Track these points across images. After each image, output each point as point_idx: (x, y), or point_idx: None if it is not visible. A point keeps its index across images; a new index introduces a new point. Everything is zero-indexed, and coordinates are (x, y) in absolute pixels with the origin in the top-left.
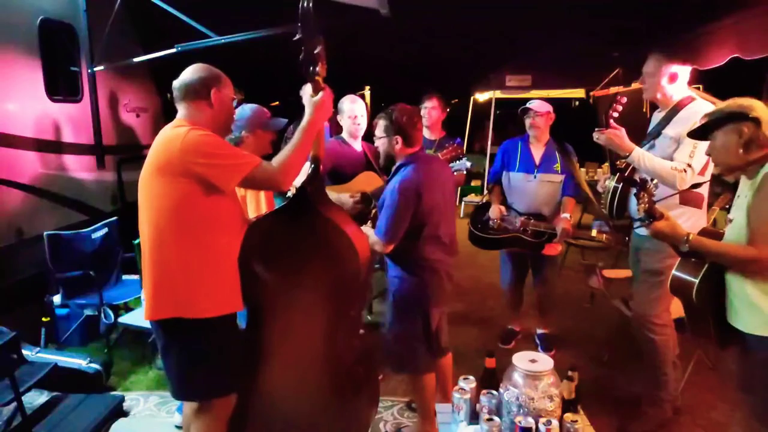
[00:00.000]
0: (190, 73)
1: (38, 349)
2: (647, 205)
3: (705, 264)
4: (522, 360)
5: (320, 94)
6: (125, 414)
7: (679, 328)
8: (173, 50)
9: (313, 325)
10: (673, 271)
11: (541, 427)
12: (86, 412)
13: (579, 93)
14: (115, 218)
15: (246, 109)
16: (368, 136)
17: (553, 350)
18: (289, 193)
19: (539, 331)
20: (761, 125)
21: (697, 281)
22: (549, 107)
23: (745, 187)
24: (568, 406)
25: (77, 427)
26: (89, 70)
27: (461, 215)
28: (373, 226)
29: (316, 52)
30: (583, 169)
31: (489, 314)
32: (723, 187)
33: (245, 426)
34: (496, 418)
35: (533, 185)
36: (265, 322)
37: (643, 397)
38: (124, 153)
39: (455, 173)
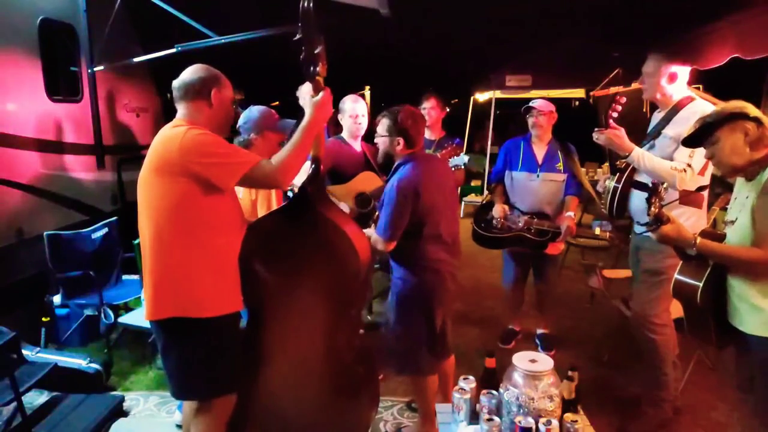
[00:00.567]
0: (191, 73)
1: (38, 349)
2: (657, 209)
3: (707, 267)
4: (522, 360)
5: (321, 94)
6: (125, 414)
7: (679, 328)
8: (173, 50)
9: (314, 325)
10: (676, 275)
11: (541, 427)
12: (86, 412)
13: (579, 93)
14: (115, 218)
15: (254, 111)
16: (368, 137)
17: (553, 350)
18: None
19: (539, 331)
20: (764, 123)
21: (701, 284)
22: (552, 107)
23: (745, 188)
24: (568, 406)
25: (77, 427)
26: (89, 70)
27: (461, 215)
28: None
29: (316, 52)
30: (583, 169)
31: (489, 314)
32: (723, 188)
33: (245, 426)
34: (496, 418)
35: (536, 184)
36: (265, 321)
37: (643, 397)
38: (124, 153)
39: (453, 169)
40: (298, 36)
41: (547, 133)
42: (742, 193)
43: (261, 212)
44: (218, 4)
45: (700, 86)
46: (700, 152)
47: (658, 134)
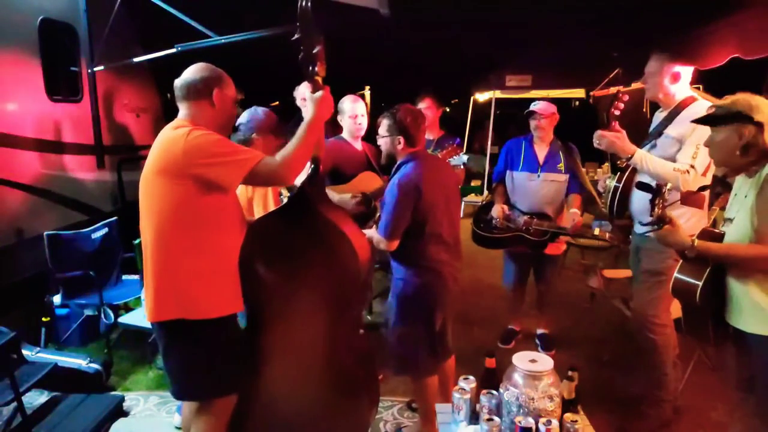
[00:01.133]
0: (193, 72)
1: (38, 349)
2: (661, 211)
3: (707, 266)
4: (522, 360)
5: (320, 91)
6: (125, 414)
7: (679, 328)
8: (173, 50)
9: (313, 325)
10: (675, 274)
11: (541, 427)
12: (86, 412)
13: (579, 93)
14: (115, 218)
15: (259, 112)
16: (368, 137)
17: (553, 350)
18: (282, 197)
19: (539, 331)
20: (763, 130)
21: (701, 284)
22: (553, 108)
23: (745, 186)
24: (568, 406)
25: (77, 427)
26: (89, 70)
27: (461, 215)
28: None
29: (314, 51)
30: (583, 169)
31: (489, 314)
32: (723, 188)
33: (245, 426)
34: (496, 418)
35: (537, 185)
36: (265, 322)
37: (643, 397)
38: (124, 153)
39: (452, 167)
40: (296, 36)
41: (548, 135)
42: (742, 191)
43: (257, 210)
44: (218, 4)
45: (700, 86)
46: (703, 153)
47: (660, 134)
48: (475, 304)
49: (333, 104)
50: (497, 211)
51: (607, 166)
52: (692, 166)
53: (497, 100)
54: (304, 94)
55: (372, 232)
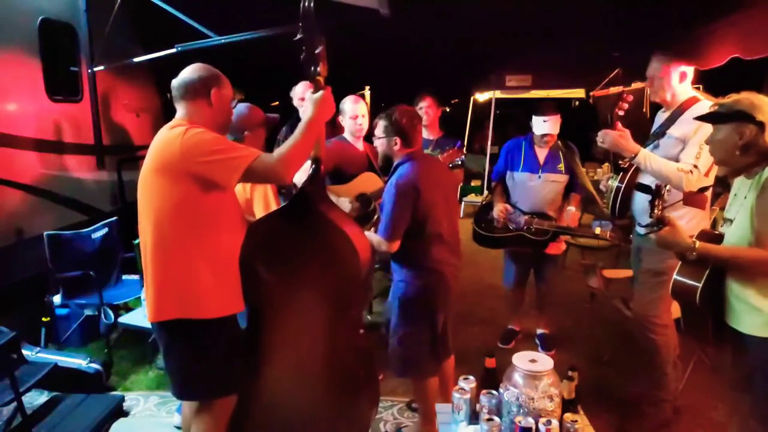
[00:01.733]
0: (190, 72)
1: (38, 349)
2: (660, 212)
3: (707, 267)
4: (522, 360)
5: (321, 92)
6: (125, 414)
7: (679, 329)
8: (173, 50)
9: (314, 325)
10: (675, 276)
11: (541, 427)
12: (86, 412)
13: (579, 93)
14: (115, 218)
15: (243, 108)
16: (369, 137)
17: (553, 350)
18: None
19: (539, 331)
20: (764, 131)
21: (700, 285)
22: (558, 119)
23: (745, 187)
24: (568, 406)
25: (77, 427)
26: (89, 70)
27: (461, 215)
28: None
29: (317, 52)
30: (583, 169)
31: (489, 314)
32: (723, 188)
33: (245, 426)
34: (496, 418)
35: (537, 185)
36: (265, 322)
37: (643, 397)
38: (124, 153)
39: (450, 166)
40: (298, 36)
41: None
42: (741, 192)
43: (257, 210)
44: (218, 4)
45: (700, 86)
46: (706, 153)
47: (663, 134)
48: (475, 304)
49: (334, 105)
50: (499, 210)
51: (607, 166)
52: (695, 167)
53: (497, 100)
54: (301, 94)
55: (372, 235)
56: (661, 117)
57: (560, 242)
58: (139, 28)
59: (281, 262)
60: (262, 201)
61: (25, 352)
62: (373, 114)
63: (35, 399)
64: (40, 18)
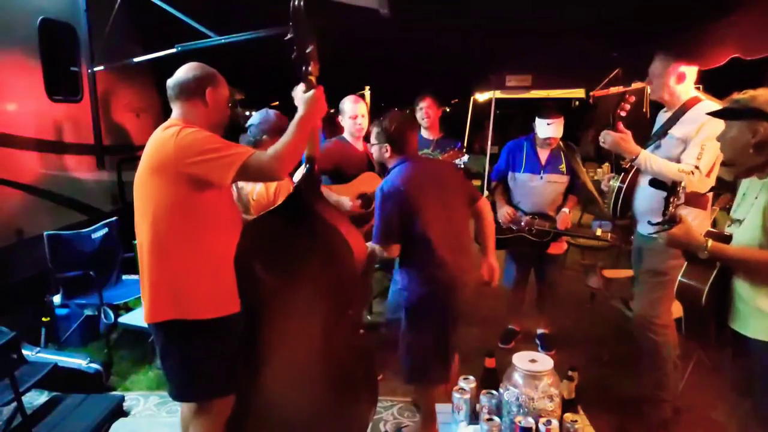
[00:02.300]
0: (185, 71)
1: (38, 349)
2: (675, 209)
3: (713, 269)
4: (522, 360)
5: (312, 90)
6: (125, 414)
7: (679, 329)
8: (173, 50)
9: (311, 325)
10: (680, 278)
11: (541, 427)
12: (86, 412)
13: (579, 93)
14: (115, 218)
15: (270, 114)
16: (369, 137)
17: (553, 350)
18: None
19: (539, 331)
20: None
21: (707, 287)
22: (561, 121)
23: (756, 187)
24: (568, 406)
25: (77, 427)
26: (89, 70)
27: None
28: None
29: (307, 51)
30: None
31: (489, 314)
32: (723, 188)
33: (244, 426)
34: (496, 418)
35: (539, 186)
36: (262, 322)
37: (643, 397)
38: (124, 153)
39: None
40: (289, 35)
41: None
42: (751, 192)
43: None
44: (218, 4)
45: (700, 86)
46: (708, 154)
47: (665, 134)
48: (475, 304)
49: (325, 104)
50: (504, 214)
51: (607, 166)
52: (697, 167)
53: (497, 100)
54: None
55: (371, 244)
56: (663, 117)
57: (562, 242)
58: (139, 28)
59: (276, 261)
60: (284, 193)
61: (25, 352)
62: (373, 114)
63: (35, 399)
64: (40, 18)
